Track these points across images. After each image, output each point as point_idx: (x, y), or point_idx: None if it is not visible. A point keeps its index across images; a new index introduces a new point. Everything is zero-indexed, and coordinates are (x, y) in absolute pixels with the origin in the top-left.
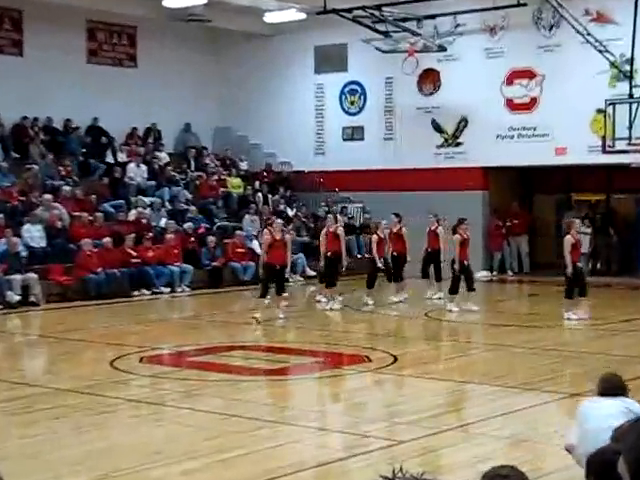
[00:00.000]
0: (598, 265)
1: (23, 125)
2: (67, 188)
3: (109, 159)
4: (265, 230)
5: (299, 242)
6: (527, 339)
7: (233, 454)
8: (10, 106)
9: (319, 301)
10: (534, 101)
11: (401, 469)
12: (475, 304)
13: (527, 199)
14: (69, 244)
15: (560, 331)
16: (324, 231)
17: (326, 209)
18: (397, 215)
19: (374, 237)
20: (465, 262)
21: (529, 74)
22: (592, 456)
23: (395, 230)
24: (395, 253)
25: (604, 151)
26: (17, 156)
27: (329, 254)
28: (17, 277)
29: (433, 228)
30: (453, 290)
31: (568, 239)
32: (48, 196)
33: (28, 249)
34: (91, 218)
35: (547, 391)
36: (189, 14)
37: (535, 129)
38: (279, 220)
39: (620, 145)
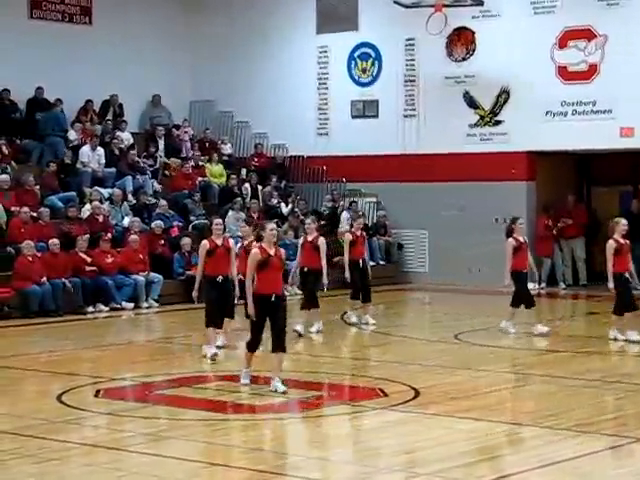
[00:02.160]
0: None
1: None
2: (4, 177)
3: None
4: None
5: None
6: (584, 369)
7: None
8: None
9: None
10: (594, 69)
11: None
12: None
13: (584, 192)
14: (6, 247)
15: (626, 359)
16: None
17: (331, 204)
18: (317, 219)
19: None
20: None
21: (588, 34)
22: None
23: (310, 239)
24: (306, 268)
25: None
26: None
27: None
28: None
29: (311, 239)
30: (365, 298)
31: (510, 242)
32: None
33: None
34: (34, 214)
35: (609, 434)
36: None
37: (595, 104)
38: (219, 220)
39: None
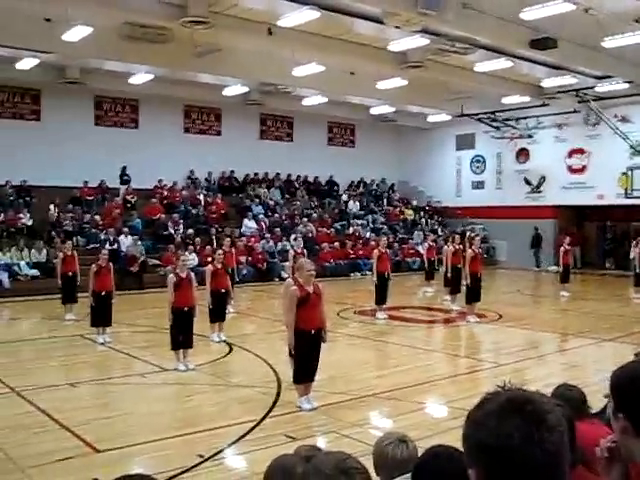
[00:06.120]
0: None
1: (290, 180)
2: (315, 214)
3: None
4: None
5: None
6: (579, 306)
7: (405, 367)
8: (283, 168)
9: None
10: (584, 167)
11: (509, 381)
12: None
13: (580, 225)
14: (315, 246)
15: (599, 302)
16: (446, 248)
17: (461, 229)
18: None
19: (375, 252)
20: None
21: (581, 151)
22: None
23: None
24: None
25: (626, 196)
26: (288, 197)
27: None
28: (287, 264)
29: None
30: (476, 299)
31: (469, 252)
32: (305, 219)
33: (293, 249)
34: (328, 231)
35: (590, 337)
36: (384, 117)
37: (585, 183)
38: (383, 239)
39: (637, 193)
